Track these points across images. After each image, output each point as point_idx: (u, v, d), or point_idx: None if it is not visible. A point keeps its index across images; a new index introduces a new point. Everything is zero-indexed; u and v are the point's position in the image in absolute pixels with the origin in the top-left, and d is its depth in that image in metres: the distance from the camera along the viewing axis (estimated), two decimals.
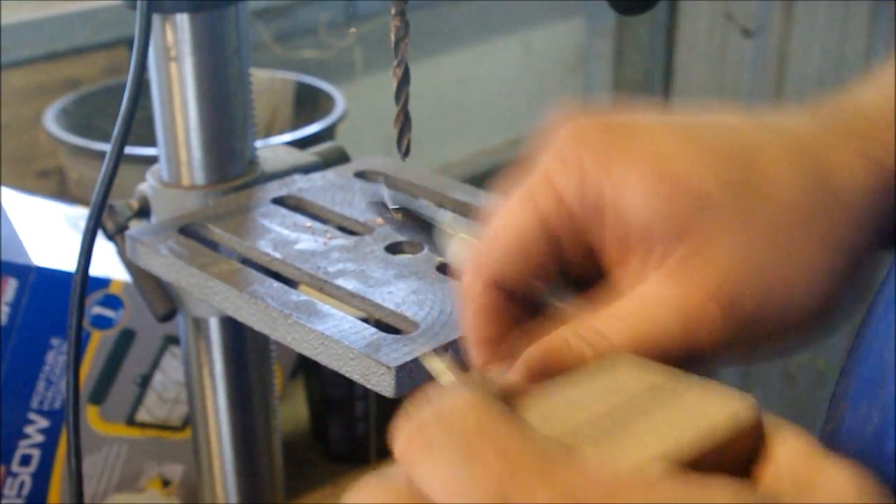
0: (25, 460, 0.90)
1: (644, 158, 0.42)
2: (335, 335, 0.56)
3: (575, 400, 0.35)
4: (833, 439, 0.45)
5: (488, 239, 0.45)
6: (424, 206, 0.57)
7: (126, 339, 0.90)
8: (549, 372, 0.41)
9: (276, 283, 0.62)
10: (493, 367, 0.45)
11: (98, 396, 0.91)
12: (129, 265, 0.72)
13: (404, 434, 0.32)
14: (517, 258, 0.44)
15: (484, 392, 0.34)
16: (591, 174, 0.42)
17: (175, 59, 0.70)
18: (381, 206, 0.59)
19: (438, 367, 0.48)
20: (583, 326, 0.42)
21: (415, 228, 0.57)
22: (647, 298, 0.42)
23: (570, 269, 0.45)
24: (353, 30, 1.61)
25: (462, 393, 0.33)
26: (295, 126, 1.24)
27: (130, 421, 0.94)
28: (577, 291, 0.46)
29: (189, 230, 0.69)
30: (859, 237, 0.42)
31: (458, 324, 0.49)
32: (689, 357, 0.41)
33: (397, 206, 0.58)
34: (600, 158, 0.42)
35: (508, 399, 0.36)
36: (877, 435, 0.41)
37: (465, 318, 0.46)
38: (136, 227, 0.72)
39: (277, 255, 0.65)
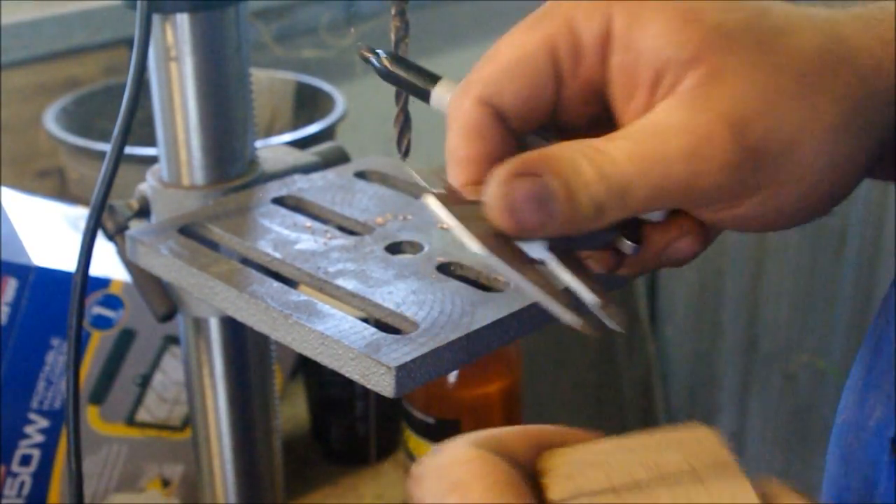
0: (25, 460, 0.90)
1: None
2: (335, 335, 0.56)
3: (604, 464, 0.36)
4: (843, 430, 0.45)
5: (486, 58, 0.44)
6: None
7: (126, 339, 0.90)
8: (537, 171, 0.40)
9: (276, 283, 0.62)
10: (473, 190, 0.43)
11: (98, 396, 0.91)
12: (129, 265, 0.72)
13: (413, 478, 0.38)
14: (515, 76, 0.43)
15: (484, 447, 0.37)
16: (603, 4, 0.42)
17: (175, 59, 0.70)
18: (371, 51, 0.53)
19: (427, 175, 0.46)
20: (582, 144, 0.41)
21: (404, 80, 0.52)
22: (654, 121, 0.40)
23: (564, 114, 0.44)
24: (352, 30, 1.61)
25: (461, 448, 0.37)
26: (295, 126, 1.24)
27: (130, 421, 0.94)
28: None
29: (189, 230, 0.69)
30: (875, 113, 0.41)
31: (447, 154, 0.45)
32: (695, 184, 0.40)
33: (388, 54, 0.53)
34: None
35: (552, 447, 0.38)
36: (878, 426, 0.41)
37: (448, 137, 0.44)
38: (136, 227, 0.72)
39: (277, 255, 0.65)
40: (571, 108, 0.43)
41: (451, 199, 0.42)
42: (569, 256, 0.42)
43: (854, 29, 0.41)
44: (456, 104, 0.43)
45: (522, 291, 0.41)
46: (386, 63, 0.51)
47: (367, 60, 0.52)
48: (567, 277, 0.42)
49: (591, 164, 0.40)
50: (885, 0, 0.43)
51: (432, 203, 0.42)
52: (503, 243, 0.41)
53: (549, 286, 0.41)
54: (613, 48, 0.41)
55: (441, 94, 0.49)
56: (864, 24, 0.42)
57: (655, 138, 0.40)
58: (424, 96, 0.50)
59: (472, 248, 0.41)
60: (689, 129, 0.39)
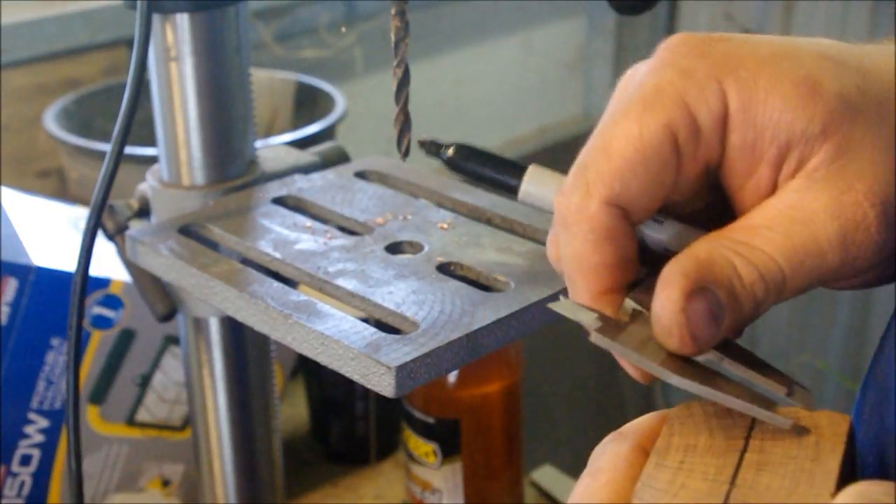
0: (25, 460, 0.90)
1: (771, 61, 0.39)
2: (335, 335, 0.56)
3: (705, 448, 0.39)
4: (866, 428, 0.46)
5: (599, 151, 0.40)
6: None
7: (126, 339, 0.90)
8: (704, 286, 0.38)
9: (276, 283, 0.62)
10: (611, 299, 0.40)
11: (98, 396, 0.91)
12: (129, 265, 0.72)
13: None
14: (639, 172, 0.39)
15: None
16: (713, 81, 0.39)
17: (175, 59, 0.70)
18: (435, 145, 0.49)
19: (571, 308, 0.41)
20: (727, 239, 0.39)
21: (481, 175, 0.47)
22: (792, 205, 0.39)
23: (674, 199, 0.42)
24: (342, 29, 1.61)
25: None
26: (295, 126, 1.24)
27: (130, 421, 0.94)
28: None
29: (189, 230, 0.69)
30: None
31: (564, 260, 0.41)
32: (847, 269, 0.39)
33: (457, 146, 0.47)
34: (721, 65, 0.39)
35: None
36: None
37: (571, 244, 0.40)
38: (136, 227, 0.72)
39: (277, 255, 0.65)
40: (681, 189, 0.41)
41: (610, 329, 0.40)
42: (730, 349, 0.41)
43: None
44: (579, 207, 0.40)
45: (731, 408, 0.40)
46: (456, 158, 0.47)
47: (432, 154, 0.48)
48: (742, 374, 0.40)
49: (746, 264, 0.38)
50: None
51: (599, 340, 0.39)
52: (682, 362, 0.39)
53: (754, 397, 0.39)
54: (732, 126, 0.40)
55: (535, 190, 0.45)
56: None
57: (804, 227, 0.38)
58: (510, 189, 0.46)
59: (673, 382, 0.39)
60: (837, 214, 0.38)
